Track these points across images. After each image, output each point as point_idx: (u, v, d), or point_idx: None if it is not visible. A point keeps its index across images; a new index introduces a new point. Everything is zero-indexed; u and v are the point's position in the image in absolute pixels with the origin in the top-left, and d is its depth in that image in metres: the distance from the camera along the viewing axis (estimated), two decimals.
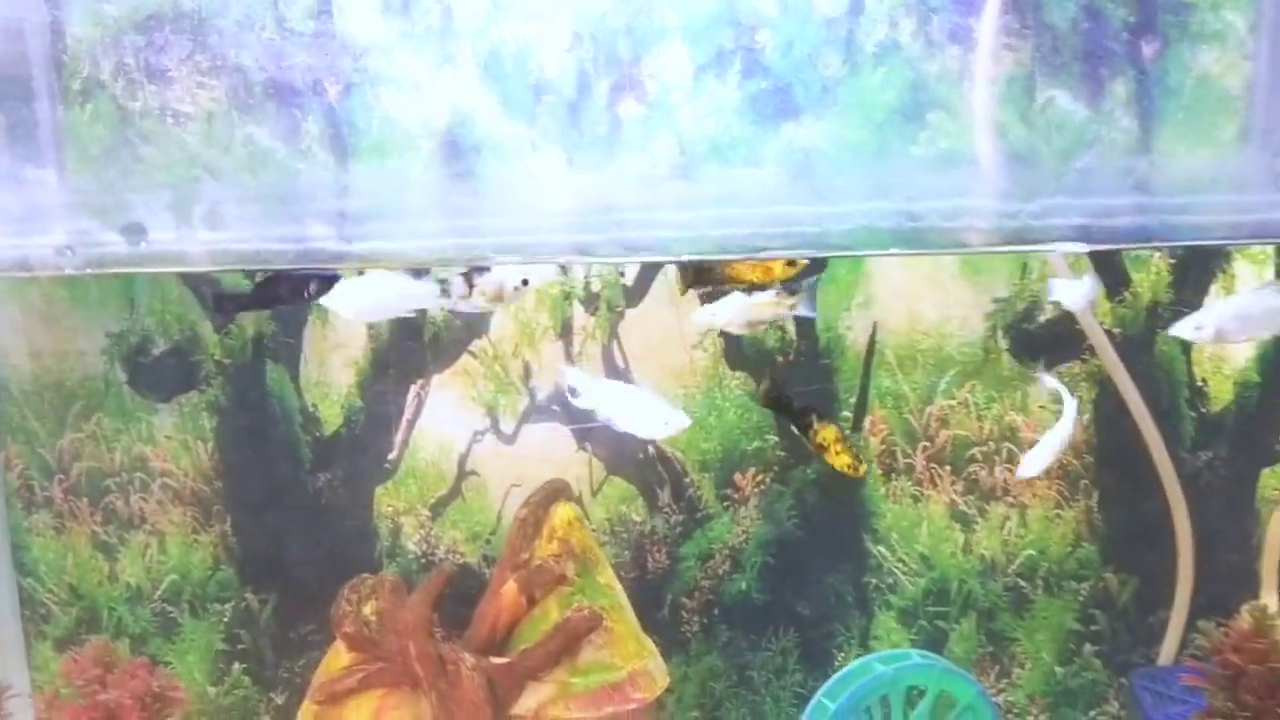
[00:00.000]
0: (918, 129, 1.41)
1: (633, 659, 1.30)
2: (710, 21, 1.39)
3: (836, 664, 1.59)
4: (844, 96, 1.40)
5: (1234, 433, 1.51)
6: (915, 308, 1.52)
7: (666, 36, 1.42)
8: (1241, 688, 1.10)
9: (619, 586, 1.39)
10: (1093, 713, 1.58)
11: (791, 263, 1.25)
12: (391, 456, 1.60)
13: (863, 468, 1.31)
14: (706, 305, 1.28)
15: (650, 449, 1.58)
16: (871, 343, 1.53)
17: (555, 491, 1.39)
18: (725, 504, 1.58)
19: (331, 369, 1.58)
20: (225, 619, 1.63)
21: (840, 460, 1.28)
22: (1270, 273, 1.46)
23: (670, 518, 1.59)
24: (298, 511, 1.60)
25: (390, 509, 1.61)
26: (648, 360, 1.56)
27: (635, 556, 1.60)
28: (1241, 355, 1.50)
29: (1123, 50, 1.39)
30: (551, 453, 1.59)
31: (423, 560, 1.60)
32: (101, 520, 1.61)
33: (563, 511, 1.37)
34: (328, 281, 1.21)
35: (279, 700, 1.64)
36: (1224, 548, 1.51)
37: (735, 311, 1.25)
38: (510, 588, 1.33)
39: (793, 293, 1.26)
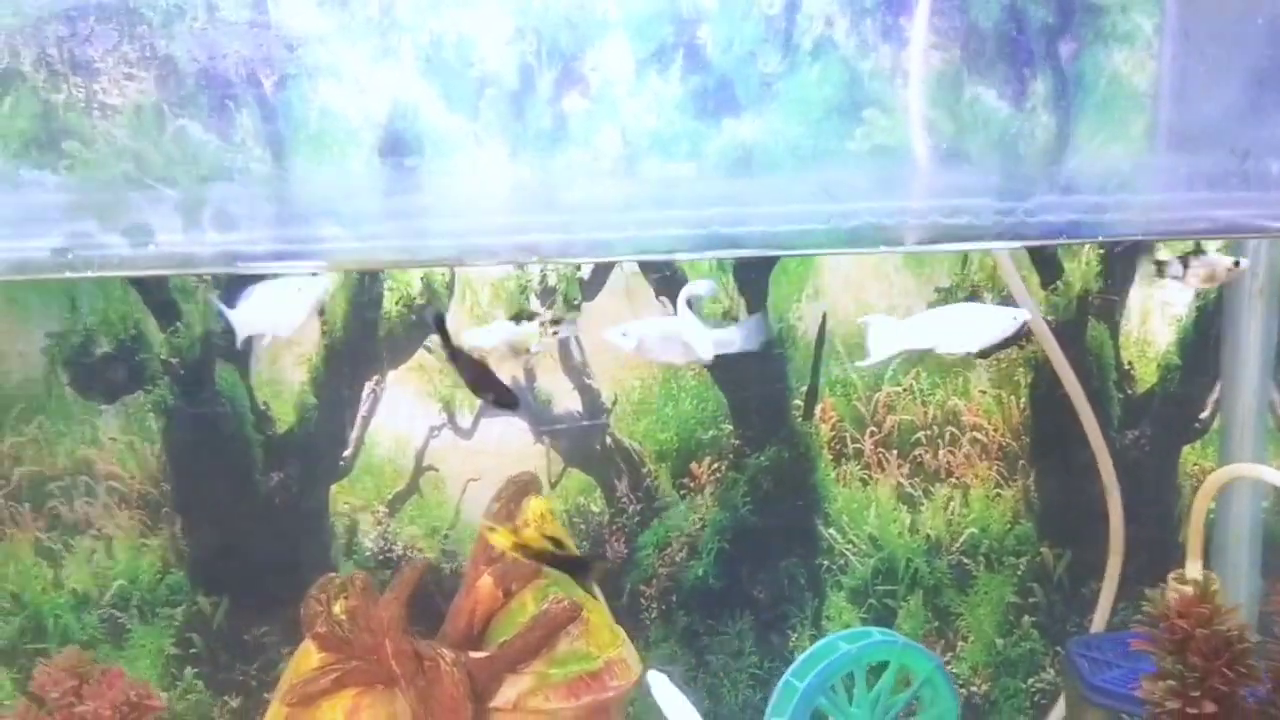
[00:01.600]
0: (854, 125, 1.48)
1: (608, 648, 1.33)
2: (651, 16, 1.43)
3: (791, 644, 1.66)
4: (783, 93, 1.46)
5: (1158, 412, 1.62)
6: (862, 298, 1.59)
7: (608, 30, 1.45)
8: (1190, 650, 1.19)
9: None
10: (1031, 680, 1.68)
11: None
12: (346, 454, 1.60)
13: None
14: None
15: (609, 440, 1.62)
16: (821, 332, 1.60)
17: (525, 485, 1.41)
18: (682, 493, 1.63)
19: (284, 367, 1.57)
20: (176, 623, 1.60)
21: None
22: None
23: (628, 507, 1.63)
24: (250, 512, 1.59)
25: (346, 506, 1.61)
26: (604, 354, 1.60)
27: (594, 546, 1.63)
28: (1163, 340, 1.61)
29: (1042, 50, 1.48)
30: (508, 446, 1.61)
31: (380, 557, 1.61)
32: (44, 526, 1.57)
33: (535, 504, 1.39)
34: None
35: (233, 704, 1.62)
36: (1150, 521, 1.62)
37: (499, 337, 1.29)
38: (486, 581, 1.36)
39: (556, 321, 1.31)
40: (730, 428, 1.62)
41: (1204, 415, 1.62)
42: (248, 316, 1.25)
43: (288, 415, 1.58)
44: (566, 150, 1.51)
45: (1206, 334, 1.58)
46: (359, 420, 1.59)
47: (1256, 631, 1.58)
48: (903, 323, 1.22)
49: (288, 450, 1.59)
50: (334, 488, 1.60)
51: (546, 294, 1.57)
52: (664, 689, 1.28)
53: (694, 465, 1.62)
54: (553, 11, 1.44)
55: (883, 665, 1.41)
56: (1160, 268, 1.25)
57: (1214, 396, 1.61)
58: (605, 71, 1.47)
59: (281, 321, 1.25)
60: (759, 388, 1.61)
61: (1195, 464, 1.63)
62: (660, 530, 1.64)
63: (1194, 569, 1.49)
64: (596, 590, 1.39)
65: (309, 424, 1.58)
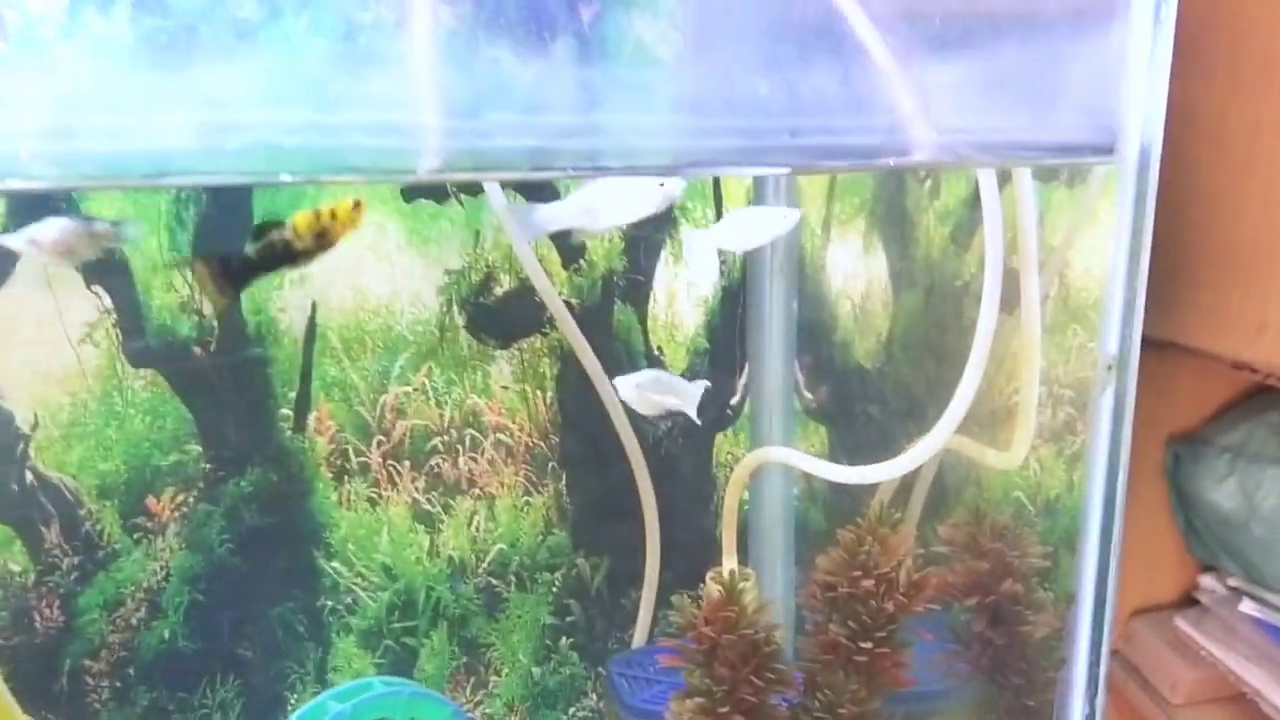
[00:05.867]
0: (354, 82, 1.29)
1: None
2: None
3: (291, 707, 1.43)
4: (264, 42, 1.24)
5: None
6: (360, 283, 1.40)
7: None
8: (717, 661, 1.12)
9: None
10: (573, 709, 1.58)
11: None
12: None
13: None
14: None
15: (29, 477, 1.29)
16: (311, 325, 1.38)
17: None
18: (136, 536, 1.34)
19: None
20: None
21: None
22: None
23: (62, 561, 1.32)
24: None
25: None
26: (13, 361, 1.27)
27: (17, 616, 1.30)
28: (691, 322, 1.57)
29: (562, 13, 1.37)
30: None
31: None
32: None
33: None
34: None
35: None
36: (688, 518, 1.58)
37: None
38: None
39: None
40: (199, 449, 1.36)
41: (734, 401, 1.60)
42: None
43: None
44: None
45: (732, 315, 1.56)
46: None
47: (794, 621, 1.59)
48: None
49: None
50: None
51: None
52: None
53: (151, 500, 1.34)
54: None
55: None
56: None
57: (742, 381, 1.59)
58: (26, 10, 1.17)
59: None
60: (235, 396, 1.37)
61: (729, 452, 1.61)
62: (108, 586, 1.34)
63: (731, 563, 1.46)
64: None
65: None
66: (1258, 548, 1.70)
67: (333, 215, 1.03)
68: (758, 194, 1.46)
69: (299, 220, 1.03)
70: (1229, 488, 1.72)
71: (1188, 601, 1.82)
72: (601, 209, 1.00)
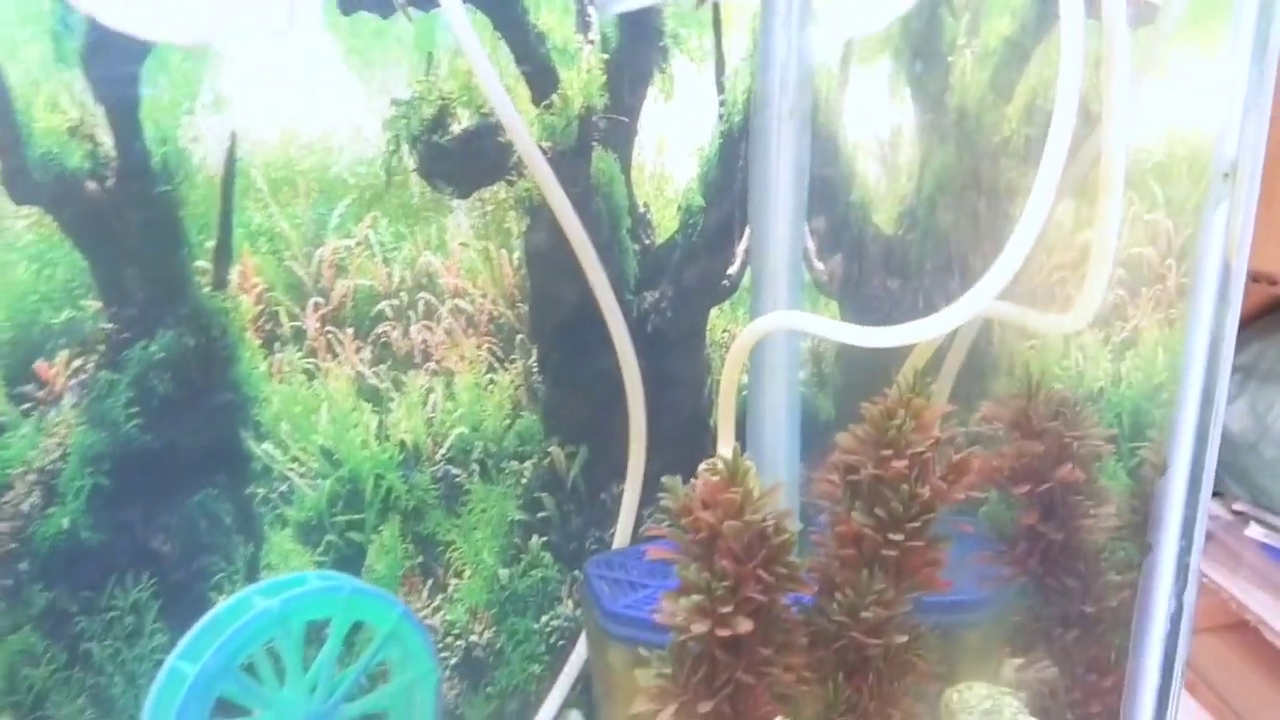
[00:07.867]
0: None
1: None
2: None
3: None
4: None
5: (680, 268, 1.37)
6: (290, 112, 1.18)
7: None
8: (718, 551, 0.93)
9: None
10: (545, 618, 1.39)
11: None
12: None
13: None
14: None
15: None
16: (231, 162, 1.17)
17: None
18: (24, 407, 1.14)
19: None
20: None
21: None
22: (710, 73, 1.32)
23: None
24: None
25: None
26: None
27: None
28: (684, 175, 1.35)
29: None
30: None
31: None
32: None
33: None
34: None
35: None
36: (678, 402, 1.38)
37: None
38: None
39: None
40: (98, 304, 1.15)
41: (732, 270, 1.40)
42: None
43: None
44: None
45: (732, 168, 1.35)
46: None
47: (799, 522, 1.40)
48: None
49: None
50: None
51: None
52: None
53: (42, 364, 1.14)
54: None
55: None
56: None
57: (743, 246, 1.39)
58: None
59: None
60: (140, 243, 1.16)
61: (725, 330, 1.41)
62: None
63: (726, 455, 1.26)
64: None
65: None
66: (1268, 470, 1.69)
67: None
68: (765, 14, 1.24)
69: None
70: (1238, 408, 1.73)
71: None
72: None
